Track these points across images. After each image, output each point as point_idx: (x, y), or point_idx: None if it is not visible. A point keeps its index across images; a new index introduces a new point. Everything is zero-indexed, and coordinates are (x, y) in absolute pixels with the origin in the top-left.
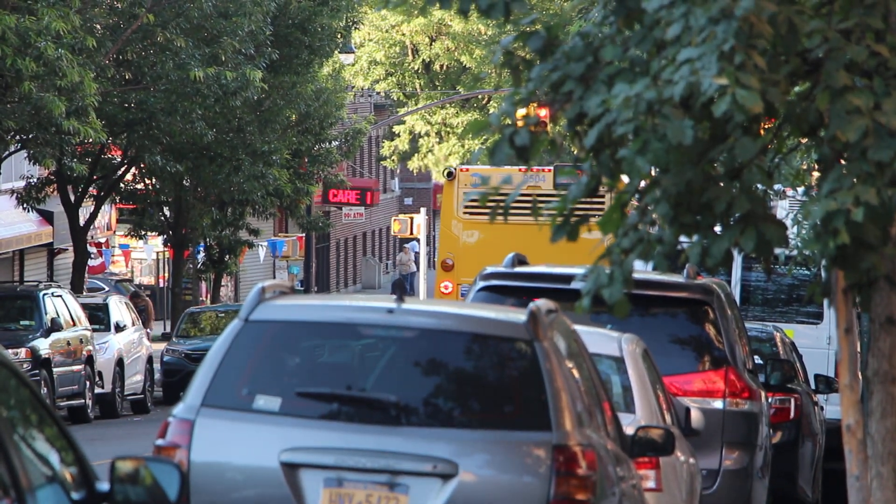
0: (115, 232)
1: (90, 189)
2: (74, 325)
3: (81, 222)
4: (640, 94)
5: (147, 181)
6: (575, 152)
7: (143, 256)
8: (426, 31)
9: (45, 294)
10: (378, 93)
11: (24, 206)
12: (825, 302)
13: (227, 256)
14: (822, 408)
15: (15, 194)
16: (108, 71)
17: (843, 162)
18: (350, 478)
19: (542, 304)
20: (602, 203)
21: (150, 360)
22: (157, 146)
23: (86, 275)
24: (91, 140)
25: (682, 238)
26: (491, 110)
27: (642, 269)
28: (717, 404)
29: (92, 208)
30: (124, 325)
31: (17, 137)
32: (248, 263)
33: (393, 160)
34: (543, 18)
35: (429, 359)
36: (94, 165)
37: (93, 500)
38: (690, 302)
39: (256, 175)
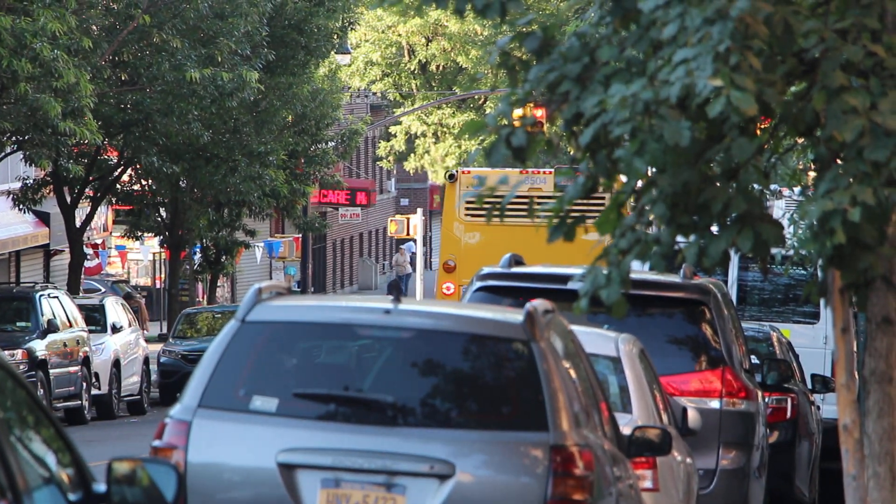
0: (111, 233)
1: (86, 190)
2: (71, 326)
3: (78, 223)
4: (637, 95)
5: (143, 182)
6: (572, 153)
7: (139, 257)
8: (422, 31)
9: (41, 295)
10: (374, 93)
11: (21, 207)
12: (822, 302)
13: (224, 257)
14: (818, 407)
15: (11, 195)
16: (104, 72)
17: (839, 162)
18: (347, 478)
19: (538, 304)
20: (603, 203)
21: (146, 361)
22: (154, 147)
23: (82, 276)
24: (87, 141)
25: (679, 238)
26: (487, 110)
27: (639, 269)
28: (714, 404)
29: (88, 209)
30: (121, 327)
31: (14, 139)
32: (244, 264)
33: (389, 161)
34: (540, 19)
35: (426, 359)
36: (90, 166)
37: (90, 501)
38: (687, 302)
39: (253, 176)
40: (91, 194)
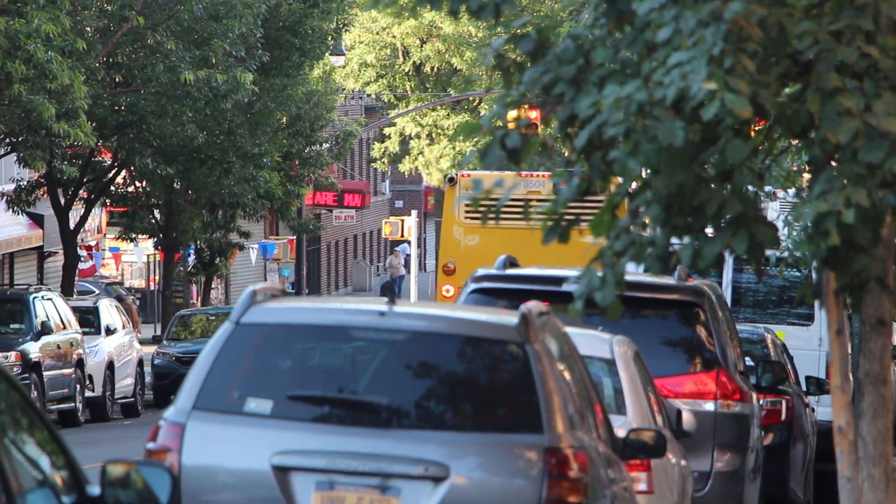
0: (105, 235)
1: (80, 192)
2: (65, 328)
3: (72, 225)
4: (631, 96)
5: (137, 184)
6: (566, 154)
7: (133, 259)
8: (417, 33)
9: (35, 297)
10: (369, 95)
11: (14, 209)
12: (816, 303)
13: (218, 259)
14: (813, 409)
15: (5, 197)
16: (98, 73)
17: (833, 163)
18: (342, 481)
19: (533, 306)
20: (600, 205)
21: (140, 363)
22: (148, 149)
23: (76, 278)
24: (81, 143)
25: (674, 240)
26: (482, 112)
27: (633, 271)
28: (709, 406)
29: (82, 211)
30: (115, 329)
31: (7, 140)
32: (238, 266)
33: (383, 162)
34: (534, 21)
35: (420, 361)
36: (84, 168)
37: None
38: (681, 304)
39: (247, 177)
40: (85, 196)
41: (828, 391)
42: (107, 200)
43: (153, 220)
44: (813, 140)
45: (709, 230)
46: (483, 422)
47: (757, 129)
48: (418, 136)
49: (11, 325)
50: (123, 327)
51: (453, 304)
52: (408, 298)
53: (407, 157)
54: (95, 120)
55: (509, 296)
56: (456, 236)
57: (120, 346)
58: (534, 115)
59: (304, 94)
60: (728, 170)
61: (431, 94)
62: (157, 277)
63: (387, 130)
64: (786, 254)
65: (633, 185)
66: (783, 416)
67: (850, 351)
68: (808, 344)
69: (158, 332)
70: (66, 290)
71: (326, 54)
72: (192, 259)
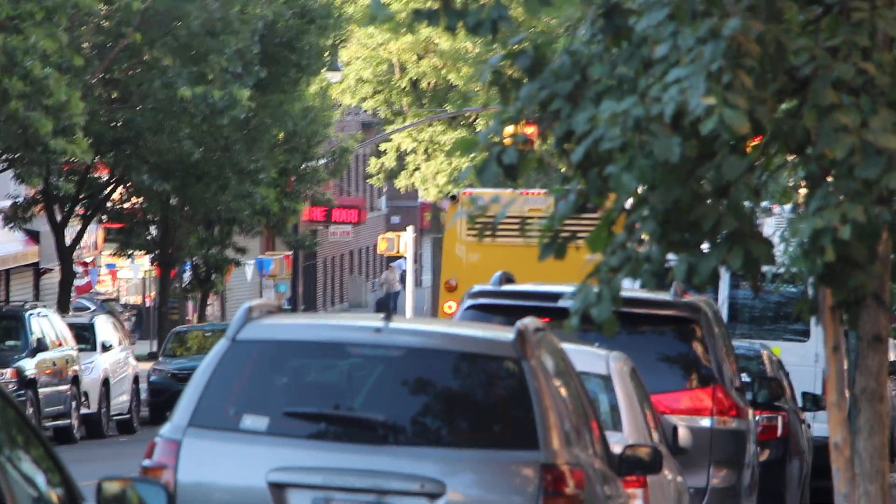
0: (101, 251)
1: (77, 208)
2: (60, 345)
3: (68, 242)
4: (628, 111)
5: (134, 200)
6: (563, 170)
7: (129, 275)
8: (413, 48)
9: (31, 314)
10: (365, 111)
11: (11, 225)
12: (812, 320)
13: (214, 275)
14: (809, 426)
15: (1, 214)
16: (95, 90)
17: (830, 180)
18: (338, 497)
19: (529, 322)
20: (598, 221)
21: (136, 379)
22: (144, 165)
23: (73, 294)
24: (78, 159)
25: (670, 256)
26: (478, 128)
27: (629, 287)
28: (705, 422)
29: (78, 227)
30: (110, 345)
31: (4, 156)
32: (234, 282)
33: (380, 178)
34: (531, 37)
35: (416, 378)
36: (80, 184)
37: None
38: (678, 320)
39: (243, 193)
40: (81, 212)
41: (824, 407)
42: (103, 217)
43: (149, 237)
44: (809, 156)
45: (705, 246)
46: (479, 438)
47: (753, 144)
48: (415, 152)
49: (7, 342)
50: (119, 344)
51: (449, 321)
52: (404, 314)
53: (403, 172)
54: (92, 136)
55: (505, 312)
56: (458, 253)
57: (116, 362)
58: (530, 131)
59: (300, 110)
60: (724, 186)
61: (428, 110)
62: (153, 294)
63: (383, 146)
64: (782, 270)
65: (630, 201)
66: (779, 433)
67: (846, 367)
68: (804, 360)
69: (154, 349)
70: (62, 307)
71: (323, 70)
72: (188, 275)
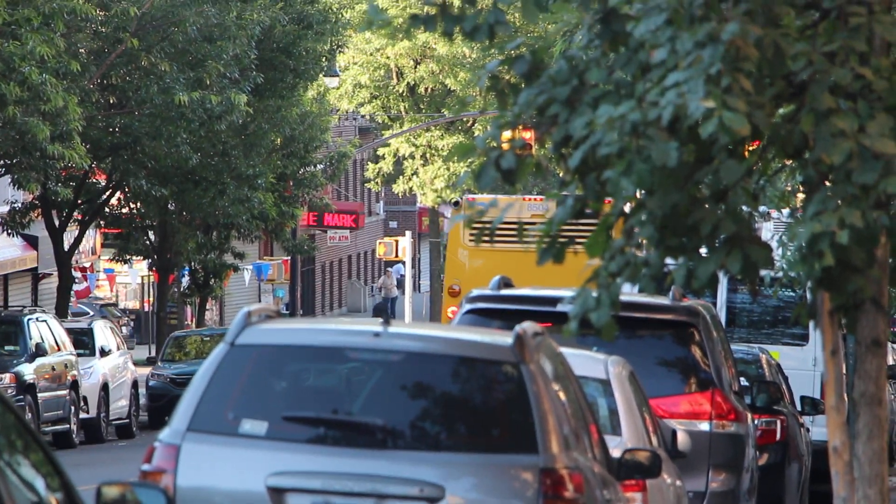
0: (99, 256)
1: (75, 213)
2: (59, 349)
3: (66, 247)
4: (625, 116)
5: (132, 205)
6: (561, 175)
7: (127, 281)
8: (410, 54)
9: (29, 319)
10: (363, 116)
11: (9, 230)
12: (811, 324)
13: (212, 280)
14: (808, 430)
15: None
16: (92, 95)
17: (828, 184)
18: (337, 501)
19: (528, 326)
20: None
21: (135, 384)
22: (142, 170)
23: (73, 298)
24: (75, 164)
25: (669, 260)
26: (476, 133)
27: (628, 291)
28: (704, 426)
29: (76, 233)
30: (109, 350)
31: (2, 162)
32: (233, 287)
33: (377, 183)
34: (528, 42)
35: (415, 382)
36: (78, 190)
37: None
38: (676, 324)
39: (241, 199)
40: (79, 218)
41: (823, 411)
42: (101, 222)
43: (147, 242)
44: (807, 161)
45: (703, 250)
46: (478, 442)
47: (751, 149)
48: (412, 157)
49: (6, 347)
50: (118, 349)
51: (448, 325)
52: (402, 319)
53: (401, 177)
54: (90, 141)
55: (504, 316)
56: (461, 259)
57: (114, 367)
58: (528, 135)
59: (298, 116)
60: (722, 190)
61: (425, 115)
62: (151, 299)
63: (381, 151)
64: (780, 274)
65: (628, 205)
66: (778, 437)
67: (844, 371)
68: (802, 364)
69: (153, 354)
70: (61, 312)
71: (320, 75)
72: (186, 280)
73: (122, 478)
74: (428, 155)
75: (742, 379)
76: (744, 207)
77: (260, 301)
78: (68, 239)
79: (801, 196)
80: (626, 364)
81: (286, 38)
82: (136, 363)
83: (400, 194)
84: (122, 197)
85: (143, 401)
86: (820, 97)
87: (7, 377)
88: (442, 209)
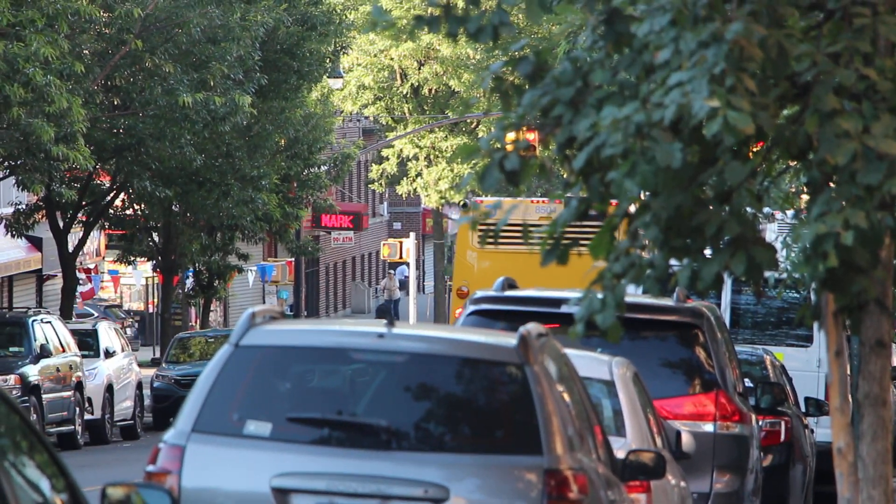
0: (104, 258)
1: (79, 215)
2: (64, 351)
3: (70, 248)
4: (629, 117)
5: (136, 207)
6: (565, 176)
7: (132, 282)
8: (414, 55)
9: (34, 320)
10: (367, 117)
11: (13, 232)
12: (815, 325)
13: (217, 281)
14: (812, 431)
15: (3, 221)
16: (96, 97)
17: (832, 185)
18: (341, 503)
19: (532, 328)
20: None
21: (139, 385)
22: (146, 172)
23: (78, 299)
24: (79, 166)
25: (673, 262)
26: (480, 134)
27: (632, 292)
28: (708, 427)
29: (81, 234)
30: (114, 351)
31: (6, 163)
32: (237, 288)
33: (381, 184)
34: (532, 43)
35: (419, 383)
36: (82, 191)
37: None
38: (680, 325)
39: (245, 200)
40: (84, 219)
41: (827, 412)
42: (105, 223)
43: (152, 243)
44: (811, 162)
45: (707, 252)
46: (482, 443)
47: (755, 150)
48: (416, 158)
49: (11, 349)
50: (122, 350)
51: (452, 326)
52: (406, 320)
53: (405, 179)
54: (94, 143)
55: (508, 317)
56: (469, 261)
57: (119, 368)
58: (532, 137)
59: (302, 117)
60: (727, 191)
61: (429, 117)
62: (155, 300)
63: (385, 152)
64: (784, 275)
65: (633, 207)
66: (782, 438)
67: (849, 372)
68: (807, 365)
69: (157, 355)
70: (65, 313)
71: (324, 77)
72: (190, 281)
73: (126, 479)
74: (432, 156)
75: (746, 380)
76: (748, 209)
77: (264, 302)
78: (72, 240)
79: (805, 197)
80: (631, 365)
81: (290, 40)
82: (140, 364)
83: (404, 196)
84: (126, 198)
85: (147, 402)
86: (824, 98)
87: (12, 378)
88: (446, 210)
